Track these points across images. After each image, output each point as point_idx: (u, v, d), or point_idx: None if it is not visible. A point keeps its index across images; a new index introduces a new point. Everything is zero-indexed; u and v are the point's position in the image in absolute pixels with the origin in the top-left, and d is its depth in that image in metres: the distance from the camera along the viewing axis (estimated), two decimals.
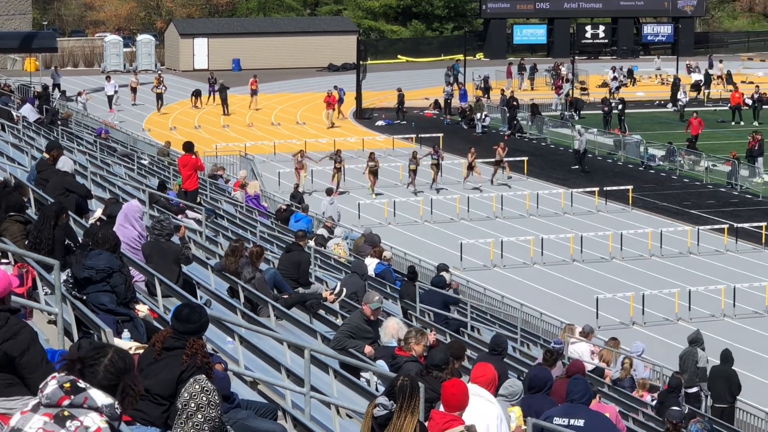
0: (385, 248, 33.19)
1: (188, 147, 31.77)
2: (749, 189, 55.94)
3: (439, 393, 11.73)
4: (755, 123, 72.00)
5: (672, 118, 77.46)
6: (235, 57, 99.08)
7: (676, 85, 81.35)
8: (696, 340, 29.13)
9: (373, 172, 54.37)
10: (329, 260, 30.10)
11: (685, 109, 75.24)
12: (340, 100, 76.63)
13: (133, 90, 79.45)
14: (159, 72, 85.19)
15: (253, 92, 78.85)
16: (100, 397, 6.23)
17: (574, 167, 59.79)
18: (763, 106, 75.32)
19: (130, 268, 15.57)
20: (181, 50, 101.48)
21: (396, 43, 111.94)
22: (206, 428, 8.82)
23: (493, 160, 57.18)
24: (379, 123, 75.30)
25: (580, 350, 27.29)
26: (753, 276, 41.26)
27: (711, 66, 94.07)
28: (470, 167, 55.30)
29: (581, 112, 76.69)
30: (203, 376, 9.20)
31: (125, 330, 12.88)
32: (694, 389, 27.34)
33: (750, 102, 75.42)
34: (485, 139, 69.04)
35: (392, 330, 16.75)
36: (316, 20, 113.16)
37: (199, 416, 8.83)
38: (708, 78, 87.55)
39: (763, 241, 45.15)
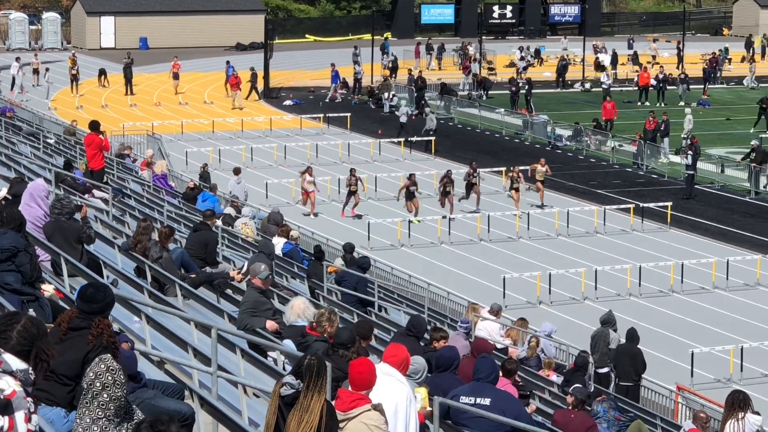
0: (292, 228, 33.27)
1: (94, 126, 31.32)
2: (654, 169, 56.38)
3: (346, 372, 11.74)
4: (661, 104, 72.64)
5: (579, 98, 78.06)
6: (143, 36, 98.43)
7: (564, 68, 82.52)
8: (608, 321, 29.29)
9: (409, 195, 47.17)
10: (237, 239, 29.98)
11: (611, 89, 75.74)
12: (228, 78, 76.50)
13: (36, 71, 78.16)
14: (73, 53, 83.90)
15: (175, 75, 77.79)
16: (15, 362, 6.21)
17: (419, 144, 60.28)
18: (668, 87, 76.06)
19: (36, 247, 15.43)
20: (87, 28, 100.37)
21: (304, 22, 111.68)
22: (112, 408, 8.72)
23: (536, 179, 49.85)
24: (287, 102, 75.02)
25: (488, 329, 27.35)
26: (658, 255, 41.63)
27: (630, 47, 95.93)
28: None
29: (489, 92, 76.93)
30: (109, 355, 9.10)
31: (30, 310, 12.79)
32: (605, 369, 27.51)
33: (654, 83, 76.09)
34: (393, 118, 69.23)
35: (298, 309, 16.71)
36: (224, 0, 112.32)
37: (105, 396, 8.73)
38: (615, 59, 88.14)
39: (668, 220, 45.52)
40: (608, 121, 63.21)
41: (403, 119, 61.16)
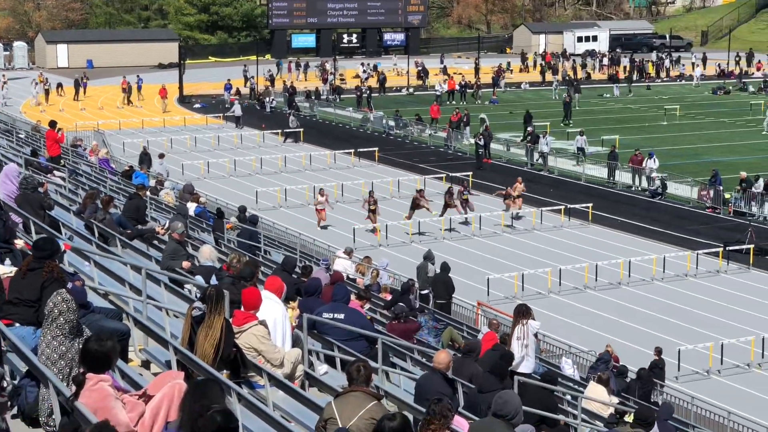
0: (201, 195, 33.27)
1: (52, 124, 31.91)
2: (459, 149, 56.87)
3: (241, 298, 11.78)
4: (462, 102, 73.48)
5: (406, 99, 78.45)
6: (89, 58, 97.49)
7: (422, 76, 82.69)
8: (429, 257, 29.60)
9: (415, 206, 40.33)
10: (161, 205, 29.72)
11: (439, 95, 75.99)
12: (139, 88, 77.02)
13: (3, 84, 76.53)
14: (40, 72, 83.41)
15: (124, 90, 76.39)
16: None
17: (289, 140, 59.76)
18: (468, 90, 76.98)
19: (11, 214, 15.40)
20: (47, 53, 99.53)
21: (207, 47, 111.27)
22: (67, 328, 8.68)
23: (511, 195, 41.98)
24: (196, 106, 74.38)
25: (343, 265, 27.47)
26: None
27: (441, 62, 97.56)
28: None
29: (341, 96, 77.13)
30: (63, 289, 9.07)
31: (6, 259, 12.69)
32: (426, 291, 27.75)
33: (458, 87, 76.97)
34: (273, 116, 69.33)
35: (206, 254, 16.69)
36: (148, 31, 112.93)
37: (62, 319, 8.68)
38: (426, 71, 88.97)
39: (470, 186, 45.95)
40: (434, 119, 63.01)
41: (293, 125, 60.64)
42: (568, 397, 16.96)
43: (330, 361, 13.88)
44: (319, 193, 39.51)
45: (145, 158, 44.90)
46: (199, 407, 6.74)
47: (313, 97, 74.87)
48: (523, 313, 17.91)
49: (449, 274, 28.33)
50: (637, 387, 21.12)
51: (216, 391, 7.11)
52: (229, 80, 77.51)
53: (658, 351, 24.05)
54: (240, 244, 26.93)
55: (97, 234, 18.65)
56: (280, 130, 61.08)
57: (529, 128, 55.04)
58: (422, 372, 14.32)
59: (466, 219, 40.73)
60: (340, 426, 8.82)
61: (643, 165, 46.75)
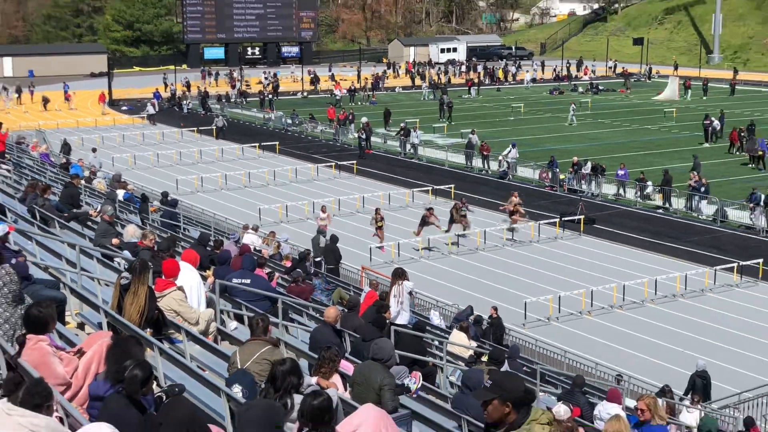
0: (128, 183, 32.69)
1: None
2: (346, 142, 56.78)
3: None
4: (351, 104, 73.25)
5: (301, 102, 77.99)
6: (30, 68, 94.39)
7: (277, 86, 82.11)
8: (322, 232, 29.56)
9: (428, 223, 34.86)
10: (94, 192, 29.08)
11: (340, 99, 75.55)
12: (65, 93, 75.02)
13: None
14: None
15: (67, 98, 74.35)
16: None
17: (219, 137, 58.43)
18: (355, 93, 76.85)
19: None
20: None
21: (132, 59, 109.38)
22: (10, 296, 8.46)
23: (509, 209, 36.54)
24: (123, 108, 72.95)
25: (251, 239, 27.24)
26: (350, 192, 42.07)
27: (330, 70, 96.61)
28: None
29: (247, 99, 76.40)
30: (6, 264, 8.82)
31: None
32: (318, 259, 27.68)
33: (346, 91, 76.78)
34: (190, 116, 68.40)
35: (131, 232, 16.36)
36: (81, 45, 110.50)
37: (6, 290, 8.45)
38: (318, 78, 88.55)
39: (355, 171, 45.97)
40: (331, 119, 62.19)
41: (220, 124, 59.49)
42: (436, 343, 17.09)
43: (239, 318, 13.80)
44: (321, 210, 33.96)
45: (65, 147, 44.92)
46: (118, 360, 6.66)
47: (223, 100, 74.33)
48: (399, 275, 18.06)
49: (337, 245, 28.34)
50: (491, 333, 21.38)
51: (133, 346, 7.01)
52: (157, 89, 76.14)
53: (495, 309, 24.18)
54: (163, 224, 26.60)
55: (38, 217, 18.22)
56: (195, 128, 60.33)
57: (401, 124, 55.30)
58: (315, 325, 14.29)
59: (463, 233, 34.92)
60: (239, 368, 8.83)
61: (506, 152, 47.19)
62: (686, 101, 74.31)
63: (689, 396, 19.16)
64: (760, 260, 30.73)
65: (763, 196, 36.36)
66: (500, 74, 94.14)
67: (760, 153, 47.53)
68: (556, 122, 63.51)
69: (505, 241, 34.52)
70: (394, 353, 10.18)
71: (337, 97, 74.81)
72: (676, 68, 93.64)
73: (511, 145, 47.59)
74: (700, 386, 19.80)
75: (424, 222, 34.61)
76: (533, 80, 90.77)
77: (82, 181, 27.24)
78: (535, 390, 15.00)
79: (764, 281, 29.87)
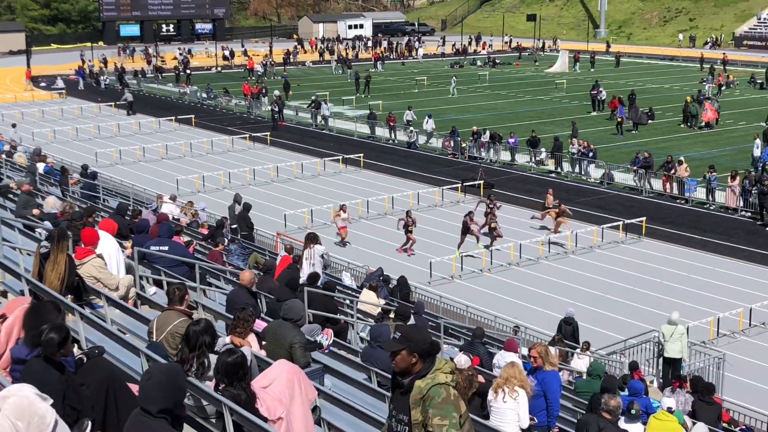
0: (48, 156, 31.92)
1: None
2: (260, 115, 56.19)
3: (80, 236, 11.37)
4: (263, 78, 72.31)
5: (216, 76, 76.83)
6: None
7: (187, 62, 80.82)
8: (237, 199, 29.29)
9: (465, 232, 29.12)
10: (15, 165, 28.34)
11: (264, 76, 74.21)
12: None
13: None
14: None
15: None
16: None
17: (130, 113, 56.47)
18: (268, 68, 75.81)
19: None
20: None
21: (49, 37, 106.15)
22: None
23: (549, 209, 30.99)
24: (42, 84, 70.74)
25: (169, 208, 26.85)
26: (264, 163, 41.77)
27: (243, 46, 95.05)
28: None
29: (163, 74, 74.82)
30: None
31: None
32: (234, 226, 27.41)
33: (259, 67, 75.65)
34: (107, 91, 66.94)
35: (51, 204, 16.03)
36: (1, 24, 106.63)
37: None
38: (233, 53, 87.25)
39: (268, 142, 45.60)
40: (246, 94, 60.08)
41: (130, 98, 57.87)
42: (347, 302, 17.15)
43: (158, 283, 13.63)
44: (341, 209, 29.65)
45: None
46: (34, 324, 6.55)
47: (139, 76, 72.70)
48: (311, 239, 18.04)
49: (248, 213, 28.08)
50: (398, 291, 21.52)
51: (49, 311, 6.88)
52: (80, 66, 74.39)
53: (403, 278, 24.08)
54: (83, 195, 26.00)
55: None
56: (113, 102, 59.08)
57: (312, 96, 54.98)
58: (232, 288, 14.20)
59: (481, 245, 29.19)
60: (153, 339, 8.73)
61: (425, 124, 47.29)
62: (575, 73, 75.41)
63: (581, 344, 19.60)
64: (644, 218, 31.52)
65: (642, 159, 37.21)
66: (404, 49, 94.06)
67: (619, 120, 48.61)
68: (458, 94, 63.84)
69: (421, 206, 34.70)
70: (305, 313, 10.18)
71: (260, 73, 73.63)
72: (554, 42, 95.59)
73: (427, 116, 47.78)
74: (568, 332, 20.31)
75: (466, 229, 28.82)
76: (425, 55, 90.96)
77: (3, 156, 26.47)
78: (439, 342, 15.16)
79: (647, 237, 30.65)
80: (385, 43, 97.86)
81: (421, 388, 5.80)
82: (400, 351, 5.88)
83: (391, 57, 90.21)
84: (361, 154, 42.24)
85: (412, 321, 14.64)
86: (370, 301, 17.22)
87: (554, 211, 30.61)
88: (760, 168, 37.63)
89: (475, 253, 28.19)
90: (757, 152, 39.11)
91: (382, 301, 17.61)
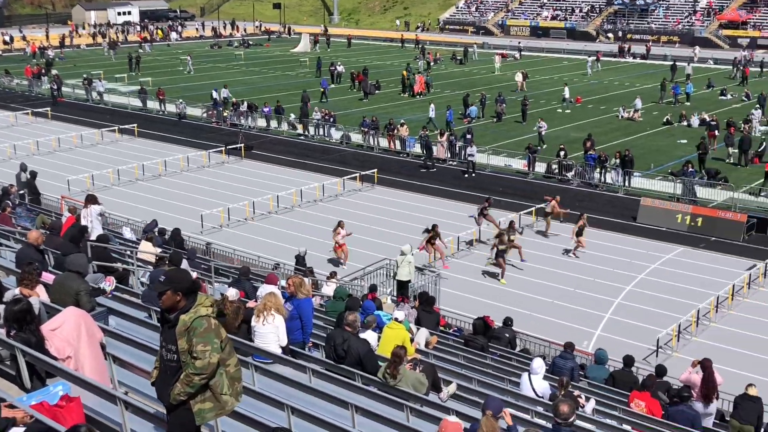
0: None
1: None
2: (39, 92, 52.22)
3: None
4: (42, 59, 66.95)
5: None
6: None
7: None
8: (23, 168, 27.08)
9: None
10: None
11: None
12: None
13: None
14: None
15: None
16: None
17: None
18: (45, 51, 70.21)
19: None
20: None
21: None
22: None
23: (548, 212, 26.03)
24: None
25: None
26: (44, 134, 38.96)
27: (21, 31, 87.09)
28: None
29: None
30: None
31: None
32: (22, 191, 25.42)
33: (38, 49, 69.85)
34: None
35: None
36: None
37: None
38: (12, 39, 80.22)
39: (49, 117, 42.51)
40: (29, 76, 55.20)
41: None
42: (128, 252, 16.47)
43: None
44: (340, 226, 23.16)
45: None
46: None
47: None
48: (89, 200, 17.18)
49: (35, 179, 26.13)
50: (173, 240, 20.93)
51: None
52: None
53: (177, 230, 23.32)
54: None
55: None
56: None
57: (84, 75, 51.75)
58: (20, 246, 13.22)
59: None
60: None
61: (217, 96, 45.51)
62: (316, 53, 75.73)
63: (328, 275, 19.97)
64: (375, 170, 32.42)
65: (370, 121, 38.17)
66: (160, 34, 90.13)
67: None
68: (216, 71, 62.41)
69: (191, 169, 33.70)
70: (88, 265, 9.67)
71: (51, 57, 67.67)
72: (289, 30, 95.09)
73: (222, 87, 46.76)
74: (302, 264, 20.94)
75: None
76: (187, 38, 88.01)
77: None
78: (199, 281, 14.92)
79: (379, 185, 31.57)
80: (151, 27, 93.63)
81: (185, 321, 5.79)
82: (166, 291, 5.82)
83: (158, 40, 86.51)
84: (135, 124, 40.44)
85: (185, 265, 14.31)
86: (148, 250, 16.66)
87: (562, 211, 26.23)
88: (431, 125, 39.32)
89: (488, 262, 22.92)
90: (432, 115, 40.74)
91: (158, 250, 17.08)
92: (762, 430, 11.90)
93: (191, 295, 5.86)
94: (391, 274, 20.77)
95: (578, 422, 9.70)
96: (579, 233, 23.56)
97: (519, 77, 53.01)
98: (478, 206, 25.70)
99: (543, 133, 36.91)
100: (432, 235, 22.65)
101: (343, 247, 23.11)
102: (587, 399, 11.67)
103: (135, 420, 6.40)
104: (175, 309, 5.85)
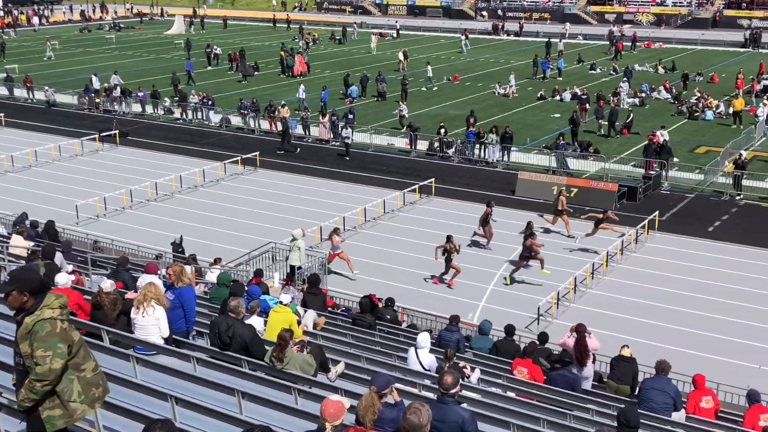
0: None
1: None
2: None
3: None
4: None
5: None
6: None
7: None
8: None
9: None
10: None
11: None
12: None
13: None
14: None
15: None
16: None
17: None
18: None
19: None
20: None
21: None
22: None
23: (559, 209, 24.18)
24: None
25: None
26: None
27: None
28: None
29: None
30: None
31: None
32: None
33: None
34: None
35: None
36: None
37: None
38: None
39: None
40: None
41: None
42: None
43: None
44: (335, 233, 21.22)
45: None
46: None
47: None
48: None
49: None
50: (46, 234, 20.06)
51: None
52: None
53: (50, 222, 22.44)
54: None
55: None
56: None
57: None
58: None
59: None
60: None
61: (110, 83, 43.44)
62: (191, 34, 73.82)
63: (212, 261, 19.64)
64: (257, 152, 32.02)
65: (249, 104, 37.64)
66: (24, 18, 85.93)
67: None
68: (86, 56, 59.97)
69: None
70: None
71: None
72: (162, 12, 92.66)
73: (115, 73, 44.83)
74: (179, 252, 20.73)
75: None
76: (54, 22, 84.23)
77: None
78: (49, 280, 14.43)
79: (262, 168, 31.20)
80: (15, 12, 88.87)
81: (27, 324, 5.44)
82: (11, 291, 5.48)
83: (23, 25, 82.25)
84: (2, 114, 38.46)
85: (60, 259, 13.75)
86: (20, 244, 15.92)
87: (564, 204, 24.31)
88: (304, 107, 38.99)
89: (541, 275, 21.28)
90: (302, 95, 40.11)
91: (31, 244, 16.33)
92: (637, 388, 12.50)
93: (39, 296, 5.52)
94: (278, 258, 20.59)
95: (464, 392, 9.93)
96: (599, 223, 22.84)
97: (401, 56, 53.34)
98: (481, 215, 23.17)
99: (406, 115, 36.71)
100: (449, 248, 20.42)
101: (342, 254, 20.95)
102: (472, 369, 11.96)
103: (8, 420, 6.12)
104: (23, 310, 5.53)
